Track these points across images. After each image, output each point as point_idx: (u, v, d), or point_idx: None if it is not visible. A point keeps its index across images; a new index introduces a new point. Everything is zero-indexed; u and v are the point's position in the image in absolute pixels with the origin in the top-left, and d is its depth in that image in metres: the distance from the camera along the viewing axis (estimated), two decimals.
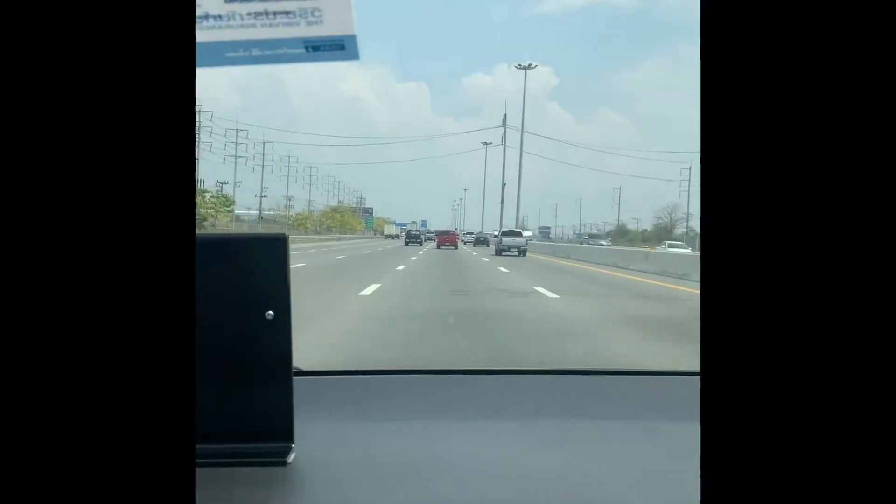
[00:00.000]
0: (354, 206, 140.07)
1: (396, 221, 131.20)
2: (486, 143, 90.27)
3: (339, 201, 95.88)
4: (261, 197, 77.13)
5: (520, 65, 56.04)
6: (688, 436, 0.97)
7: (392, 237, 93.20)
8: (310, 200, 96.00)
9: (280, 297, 0.89)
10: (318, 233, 77.59)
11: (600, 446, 1.04)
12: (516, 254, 30.59)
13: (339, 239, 68.41)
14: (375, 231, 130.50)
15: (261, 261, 0.89)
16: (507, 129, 64.64)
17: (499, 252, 31.94)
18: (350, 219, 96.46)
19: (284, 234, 0.90)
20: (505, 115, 64.76)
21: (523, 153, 56.12)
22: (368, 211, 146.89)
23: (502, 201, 63.14)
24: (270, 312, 0.88)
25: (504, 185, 62.82)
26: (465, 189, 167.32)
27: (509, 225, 49.24)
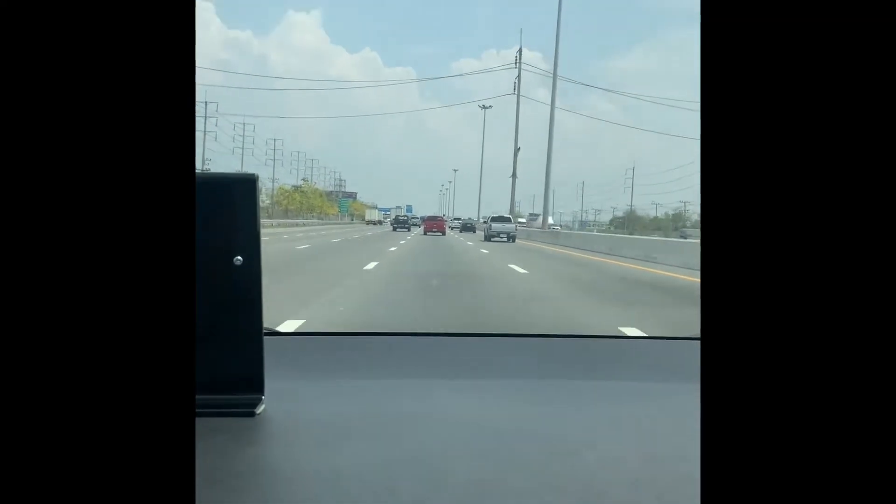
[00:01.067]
0: (333, 188, 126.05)
1: (379, 206, 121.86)
2: (484, 107, 74.53)
3: (304, 179, 78.97)
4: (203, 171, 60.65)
5: None
6: (678, 395, 1.02)
7: (374, 223, 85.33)
8: (273, 179, 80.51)
9: (249, 241, 0.86)
10: (271, 216, 61.34)
11: (589, 404, 1.02)
12: (505, 239, 30.36)
13: (299, 225, 52.75)
14: (353, 216, 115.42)
15: (228, 203, 0.86)
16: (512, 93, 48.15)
17: (488, 238, 31.32)
18: (318, 201, 79.88)
19: (254, 175, 0.87)
20: (520, 50, 48.17)
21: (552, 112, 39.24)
22: (351, 195, 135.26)
23: (514, 174, 46.69)
24: (239, 258, 0.85)
25: (518, 149, 46.61)
26: (455, 170, 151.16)
27: (532, 209, 41.77)
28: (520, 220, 52.68)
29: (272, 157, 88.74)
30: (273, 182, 78.95)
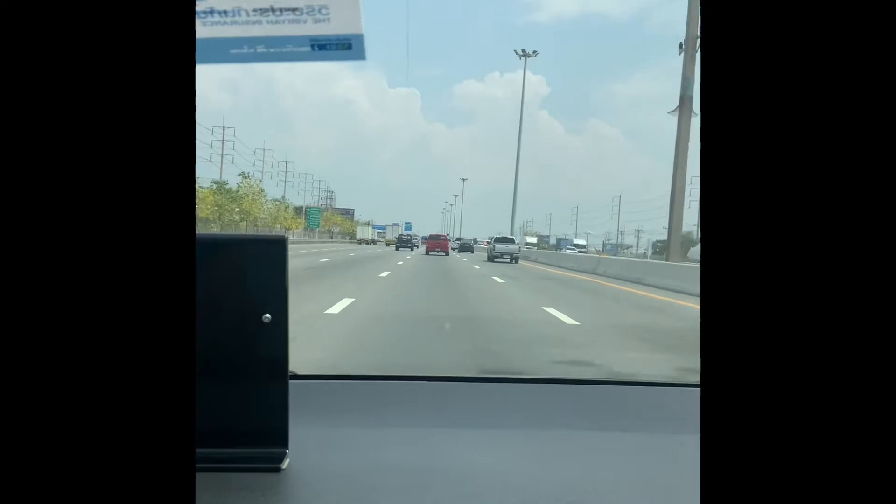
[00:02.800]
0: (325, 203, 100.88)
1: (375, 224, 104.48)
2: (524, 54, 48.26)
3: (242, 174, 52.31)
4: None
5: None
6: (688, 448, 1.02)
7: (368, 242, 71.93)
8: (221, 183, 54.12)
9: (278, 300, 0.88)
10: None
11: (601, 457, 1.04)
12: (508, 260, 30.50)
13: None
14: (333, 233, 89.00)
15: (259, 263, 0.88)
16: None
17: (491, 258, 31.57)
18: (258, 206, 52.64)
19: (284, 236, 0.90)
20: None
21: None
22: (348, 212, 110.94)
23: (691, 109, 18.38)
24: (268, 316, 0.87)
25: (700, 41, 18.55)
26: (464, 179, 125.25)
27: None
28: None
29: (222, 154, 61.56)
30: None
